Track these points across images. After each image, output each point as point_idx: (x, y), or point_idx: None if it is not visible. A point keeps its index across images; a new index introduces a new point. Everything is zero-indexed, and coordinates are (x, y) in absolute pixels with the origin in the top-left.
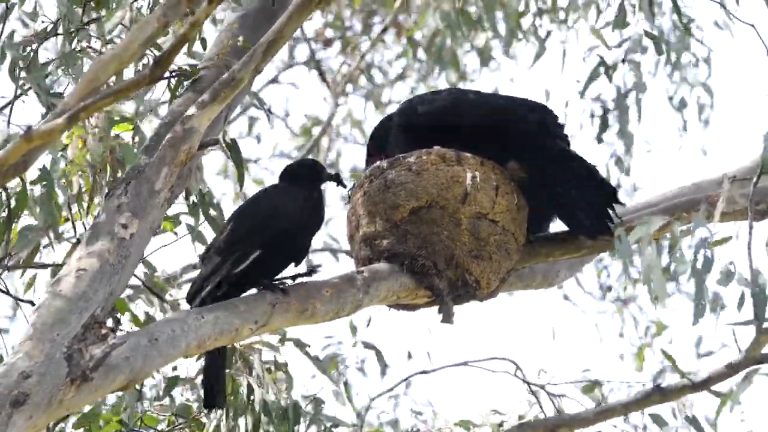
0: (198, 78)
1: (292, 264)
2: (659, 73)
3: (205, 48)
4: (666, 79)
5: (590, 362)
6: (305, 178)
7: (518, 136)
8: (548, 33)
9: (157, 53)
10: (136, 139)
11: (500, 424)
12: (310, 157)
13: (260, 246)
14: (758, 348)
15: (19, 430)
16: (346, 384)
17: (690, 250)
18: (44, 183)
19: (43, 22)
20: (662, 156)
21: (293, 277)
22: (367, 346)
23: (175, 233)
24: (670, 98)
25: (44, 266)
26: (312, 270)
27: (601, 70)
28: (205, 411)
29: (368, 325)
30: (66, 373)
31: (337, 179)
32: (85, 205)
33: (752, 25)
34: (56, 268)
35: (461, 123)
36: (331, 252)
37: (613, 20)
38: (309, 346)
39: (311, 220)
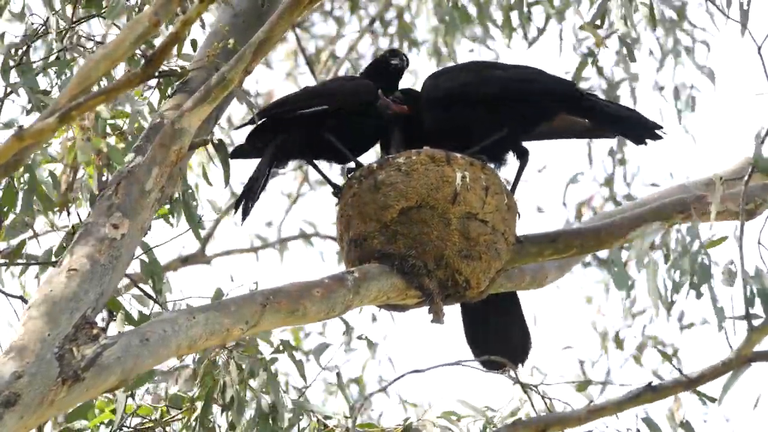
0: (188, 79)
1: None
2: (650, 64)
3: (195, 49)
4: (656, 65)
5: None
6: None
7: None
8: (546, 20)
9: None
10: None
11: (490, 420)
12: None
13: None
14: (750, 346)
15: (10, 430)
16: (338, 375)
17: (686, 256)
18: (27, 178)
19: (32, 23)
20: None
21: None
22: (360, 338)
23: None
24: (661, 88)
25: (30, 264)
26: None
27: (589, 60)
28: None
29: (346, 333)
30: (57, 373)
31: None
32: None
33: (744, 24)
34: (43, 266)
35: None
36: (304, 238)
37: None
38: (297, 350)
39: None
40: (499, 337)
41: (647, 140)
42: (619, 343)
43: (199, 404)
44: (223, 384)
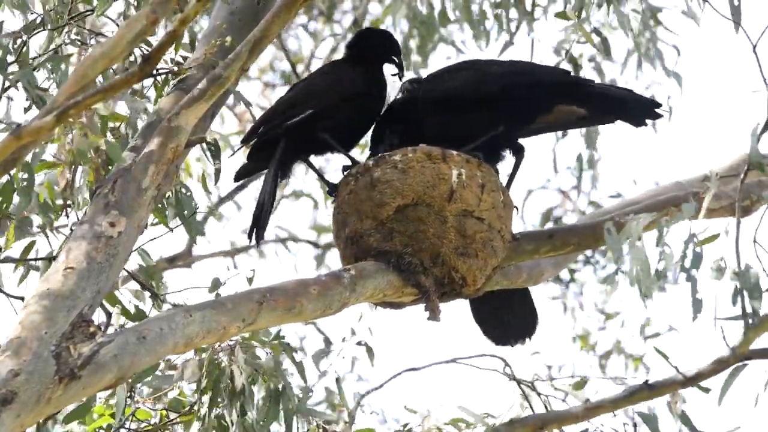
0: (185, 76)
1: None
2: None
3: (193, 48)
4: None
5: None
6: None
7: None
8: (517, 26)
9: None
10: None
11: (493, 426)
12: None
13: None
14: (746, 344)
15: (6, 428)
16: (338, 380)
17: (678, 246)
18: (25, 178)
19: (31, 14)
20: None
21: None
22: (359, 343)
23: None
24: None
25: (33, 260)
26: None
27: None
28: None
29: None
30: (54, 371)
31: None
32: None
33: (737, 22)
34: (46, 263)
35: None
36: (282, 242)
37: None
38: (296, 351)
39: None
40: (506, 312)
41: (647, 120)
42: (590, 347)
43: (206, 396)
44: (230, 372)
